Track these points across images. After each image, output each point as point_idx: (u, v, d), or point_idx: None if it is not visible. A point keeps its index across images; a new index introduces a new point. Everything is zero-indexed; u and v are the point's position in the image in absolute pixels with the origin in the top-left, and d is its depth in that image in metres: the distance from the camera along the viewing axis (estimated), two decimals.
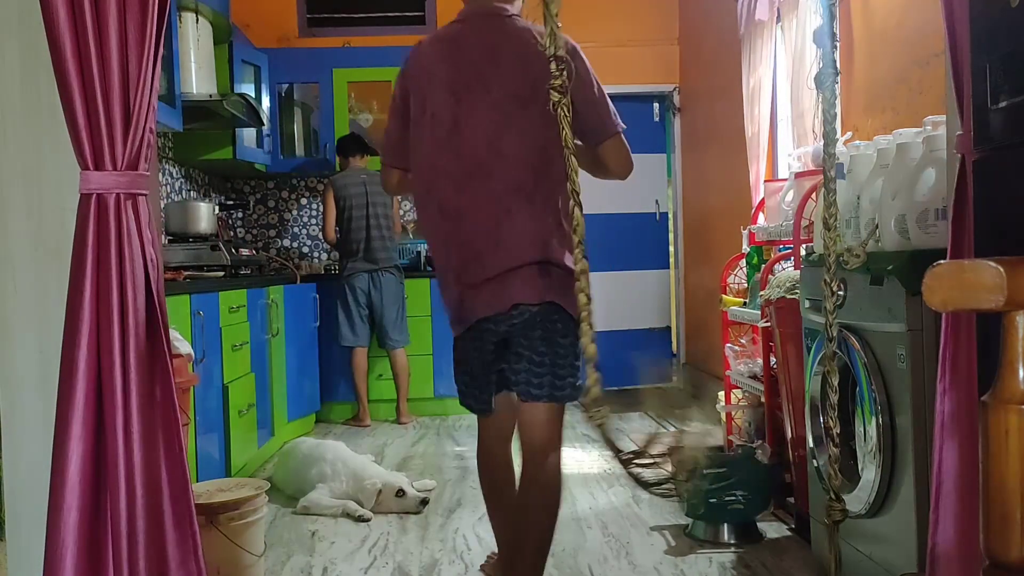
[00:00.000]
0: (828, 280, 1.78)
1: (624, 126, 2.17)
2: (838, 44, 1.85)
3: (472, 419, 5.12)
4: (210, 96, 4.05)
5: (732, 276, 4.05)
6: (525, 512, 2.11)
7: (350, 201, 5.00)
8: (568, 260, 2.09)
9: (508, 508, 2.25)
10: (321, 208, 5.66)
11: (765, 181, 4.14)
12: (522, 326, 2.07)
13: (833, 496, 1.78)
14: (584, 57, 2.09)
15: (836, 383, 1.77)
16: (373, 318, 5.07)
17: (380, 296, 5.03)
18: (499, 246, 2.05)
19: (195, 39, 4.07)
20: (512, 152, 2.05)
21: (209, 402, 3.28)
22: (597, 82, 2.12)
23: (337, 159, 5.28)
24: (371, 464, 3.52)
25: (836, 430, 1.76)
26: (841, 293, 2.30)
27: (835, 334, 1.76)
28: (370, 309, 5.06)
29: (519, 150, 2.05)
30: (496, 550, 2.49)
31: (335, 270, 5.52)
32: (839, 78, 1.90)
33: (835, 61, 1.86)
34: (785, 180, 3.64)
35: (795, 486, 2.90)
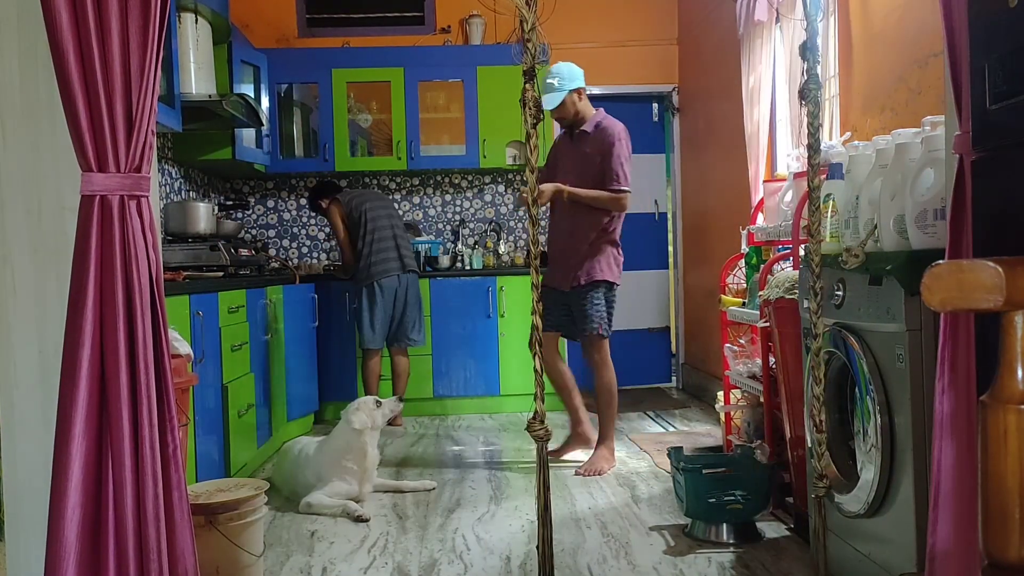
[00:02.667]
0: (813, 283, 1.79)
1: (627, 188, 3.82)
2: (819, 60, 2.00)
3: (470, 419, 5.13)
4: (209, 96, 4.05)
5: (731, 276, 4.06)
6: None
7: (371, 213, 4.91)
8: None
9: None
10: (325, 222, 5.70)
11: (764, 181, 4.15)
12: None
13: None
14: (622, 141, 3.87)
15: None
16: (393, 319, 5.00)
17: (406, 296, 4.96)
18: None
19: (194, 39, 4.07)
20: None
21: (208, 402, 3.28)
22: (620, 155, 3.85)
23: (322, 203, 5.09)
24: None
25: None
26: (839, 294, 2.30)
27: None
28: (393, 310, 4.98)
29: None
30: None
31: (334, 270, 5.52)
32: (824, 90, 2.08)
33: (818, 75, 1.98)
34: (784, 180, 3.64)
35: (794, 486, 2.91)
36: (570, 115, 3.97)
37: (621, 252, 3.98)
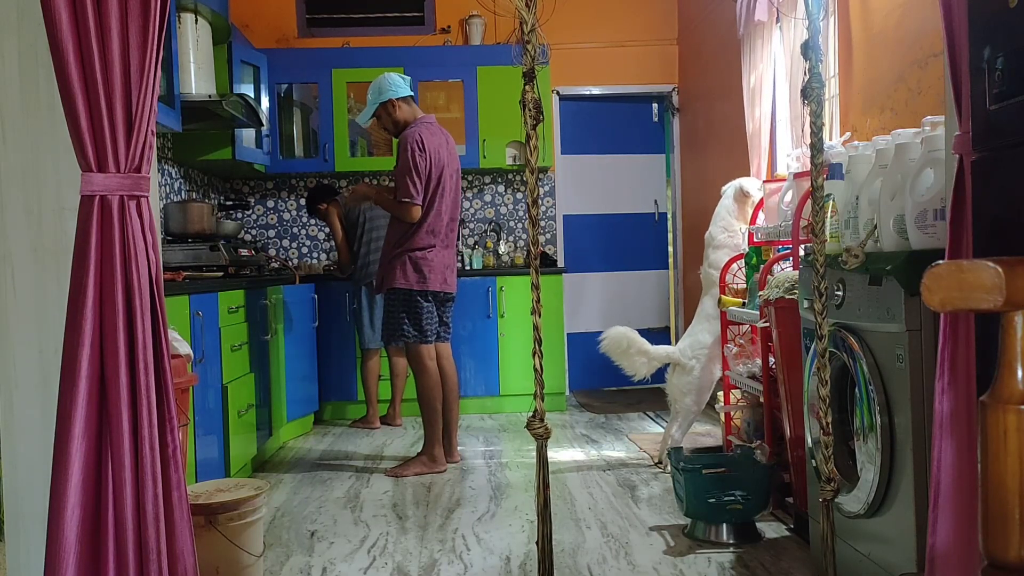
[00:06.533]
0: (817, 284, 1.80)
1: (407, 199, 3.82)
2: (822, 59, 2.00)
3: (470, 419, 5.11)
4: (209, 97, 4.05)
5: (731, 276, 4.05)
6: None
7: (368, 213, 4.98)
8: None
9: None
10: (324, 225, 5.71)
11: (764, 181, 4.15)
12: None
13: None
14: (407, 150, 3.83)
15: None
16: None
17: None
18: None
19: (194, 39, 4.08)
20: None
21: (208, 402, 3.28)
22: (403, 166, 3.84)
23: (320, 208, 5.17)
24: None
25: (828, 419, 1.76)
26: (839, 294, 2.30)
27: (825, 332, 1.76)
28: None
29: None
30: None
31: (333, 270, 5.52)
32: (825, 89, 2.09)
33: (820, 74, 1.97)
34: (784, 180, 3.64)
35: (794, 486, 2.91)
36: (389, 126, 4.03)
37: (427, 258, 3.90)
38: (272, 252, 5.88)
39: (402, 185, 3.84)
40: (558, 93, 6.07)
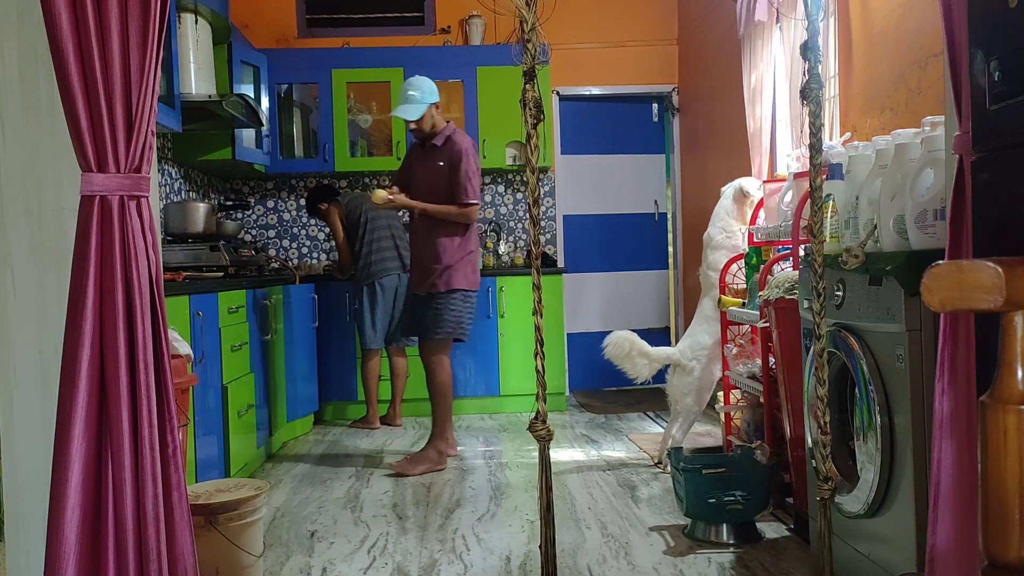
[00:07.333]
0: (815, 284, 1.80)
1: (475, 200, 3.97)
2: (821, 60, 2.01)
3: (470, 420, 5.12)
4: (209, 97, 4.05)
5: (730, 277, 4.05)
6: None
7: (371, 214, 4.98)
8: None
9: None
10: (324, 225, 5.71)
11: (764, 182, 4.15)
12: None
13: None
14: (469, 155, 3.98)
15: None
16: (393, 318, 5.01)
17: (405, 295, 4.96)
18: None
19: (194, 40, 4.08)
20: None
21: (208, 402, 3.28)
22: (467, 170, 3.95)
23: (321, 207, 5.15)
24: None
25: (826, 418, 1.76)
26: (839, 295, 2.30)
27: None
28: (393, 309, 5.00)
29: None
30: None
31: (332, 270, 5.52)
32: (825, 90, 2.11)
33: (819, 75, 1.99)
34: (784, 180, 3.64)
35: (794, 486, 2.91)
36: (427, 128, 4.06)
37: (475, 260, 4.08)
38: (272, 252, 5.88)
39: (468, 188, 3.95)
40: (558, 93, 6.07)
